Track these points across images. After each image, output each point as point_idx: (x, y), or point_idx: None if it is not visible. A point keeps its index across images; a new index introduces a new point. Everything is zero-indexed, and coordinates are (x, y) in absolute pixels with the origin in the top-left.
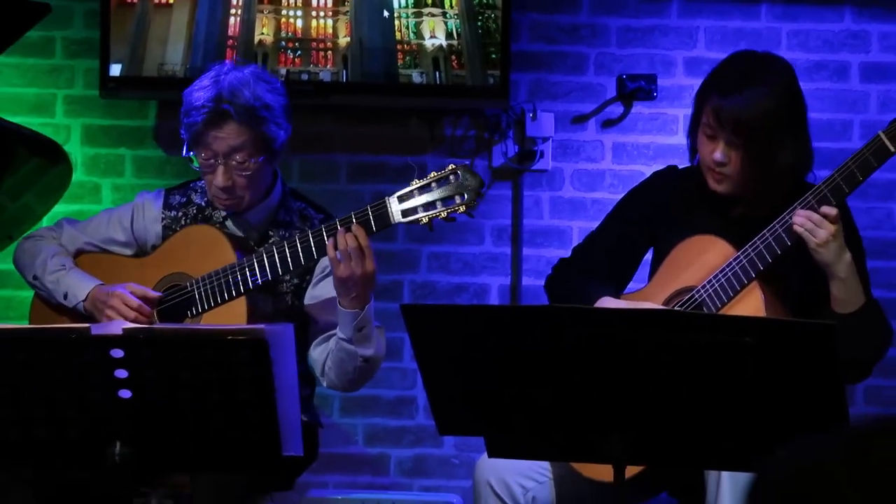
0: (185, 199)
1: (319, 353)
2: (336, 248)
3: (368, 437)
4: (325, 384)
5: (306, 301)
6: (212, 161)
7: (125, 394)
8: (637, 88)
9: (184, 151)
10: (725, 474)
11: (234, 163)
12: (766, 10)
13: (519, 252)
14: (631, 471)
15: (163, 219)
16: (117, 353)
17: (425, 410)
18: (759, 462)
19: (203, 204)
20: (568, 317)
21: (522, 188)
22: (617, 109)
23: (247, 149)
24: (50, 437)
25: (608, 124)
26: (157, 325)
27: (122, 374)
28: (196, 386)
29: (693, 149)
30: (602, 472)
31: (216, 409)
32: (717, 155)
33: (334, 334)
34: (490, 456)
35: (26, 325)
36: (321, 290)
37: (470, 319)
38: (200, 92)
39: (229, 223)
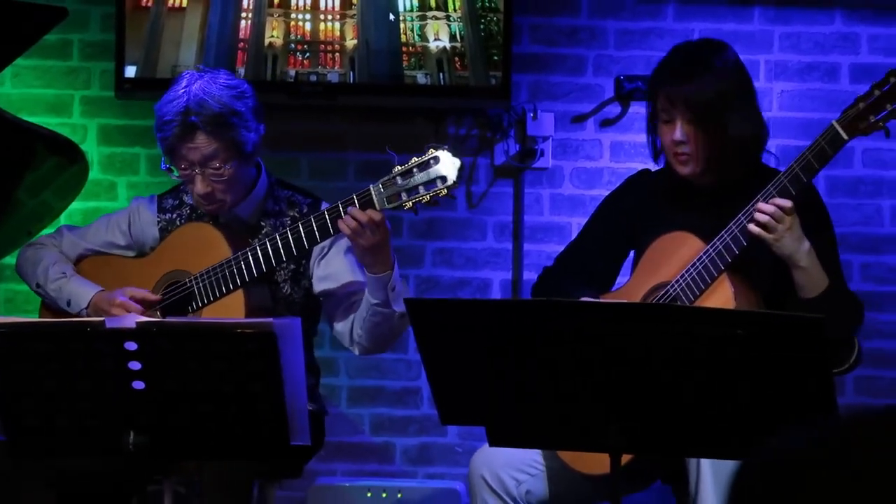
0: (177, 202)
1: (343, 325)
2: (349, 226)
3: (375, 427)
4: (356, 351)
5: (318, 286)
6: (188, 171)
7: (139, 385)
8: (634, 89)
9: (162, 164)
10: (705, 460)
11: (209, 170)
12: (758, 13)
13: (520, 247)
14: (623, 460)
15: (158, 222)
16: (131, 345)
17: (429, 401)
18: (749, 450)
19: (194, 203)
20: (565, 310)
21: (523, 185)
22: (615, 109)
23: (219, 156)
24: (67, 427)
25: (606, 124)
26: (169, 319)
27: (135, 365)
28: (207, 377)
29: (655, 147)
30: (593, 466)
31: (226, 400)
32: (677, 134)
33: (354, 302)
34: (491, 445)
35: (43, 319)
36: (328, 269)
37: (471, 313)
38: (169, 106)
39: (221, 219)
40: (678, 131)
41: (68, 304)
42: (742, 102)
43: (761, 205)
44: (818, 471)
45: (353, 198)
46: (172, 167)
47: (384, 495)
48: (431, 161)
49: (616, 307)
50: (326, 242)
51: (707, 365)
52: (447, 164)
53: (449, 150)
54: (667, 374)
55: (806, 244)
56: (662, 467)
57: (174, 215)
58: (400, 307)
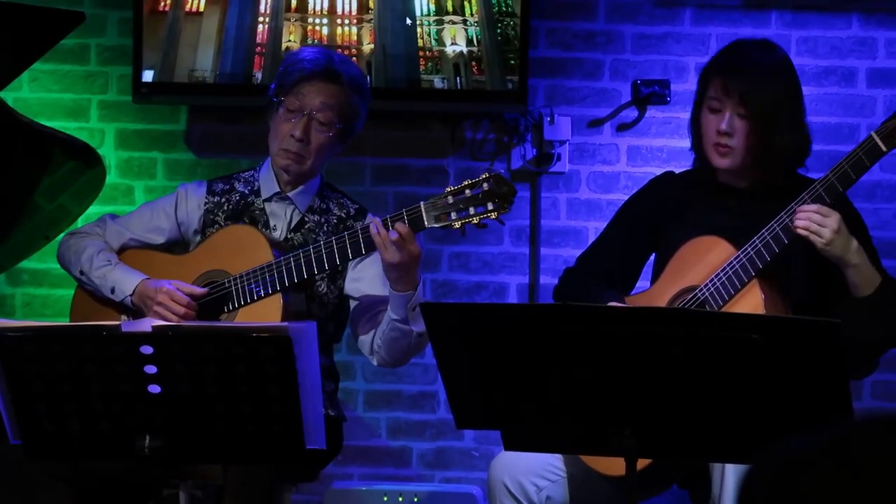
0: (228, 187)
1: (366, 334)
2: (381, 237)
3: (391, 431)
4: (375, 362)
5: (348, 286)
6: (296, 114)
7: (154, 388)
8: (651, 93)
9: (270, 90)
10: (729, 465)
11: (316, 122)
12: (775, 18)
13: (537, 252)
14: (641, 464)
15: (206, 203)
16: (147, 349)
17: (446, 405)
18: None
19: (246, 192)
20: (581, 315)
21: (540, 190)
22: (631, 114)
23: (336, 111)
24: (82, 430)
25: (623, 128)
26: (185, 323)
27: (151, 369)
28: (223, 381)
29: (696, 137)
30: (615, 468)
31: (242, 404)
32: (723, 125)
33: (379, 312)
34: (506, 449)
35: (61, 323)
36: (361, 274)
37: (487, 317)
38: (310, 53)
39: (271, 205)
40: (725, 122)
41: (112, 291)
42: (792, 110)
43: (805, 212)
44: (826, 473)
45: (402, 213)
46: (274, 100)
47: (400, 499)
48: (484, 184)
49: (630, 312)
50: None
51: (723, 369)
52: (500, 188)
53: (502, 175)
54: (682, 378)
55: (854, 242)
56: (680, 472)
57: (222, 199)
58: (419, 327)
